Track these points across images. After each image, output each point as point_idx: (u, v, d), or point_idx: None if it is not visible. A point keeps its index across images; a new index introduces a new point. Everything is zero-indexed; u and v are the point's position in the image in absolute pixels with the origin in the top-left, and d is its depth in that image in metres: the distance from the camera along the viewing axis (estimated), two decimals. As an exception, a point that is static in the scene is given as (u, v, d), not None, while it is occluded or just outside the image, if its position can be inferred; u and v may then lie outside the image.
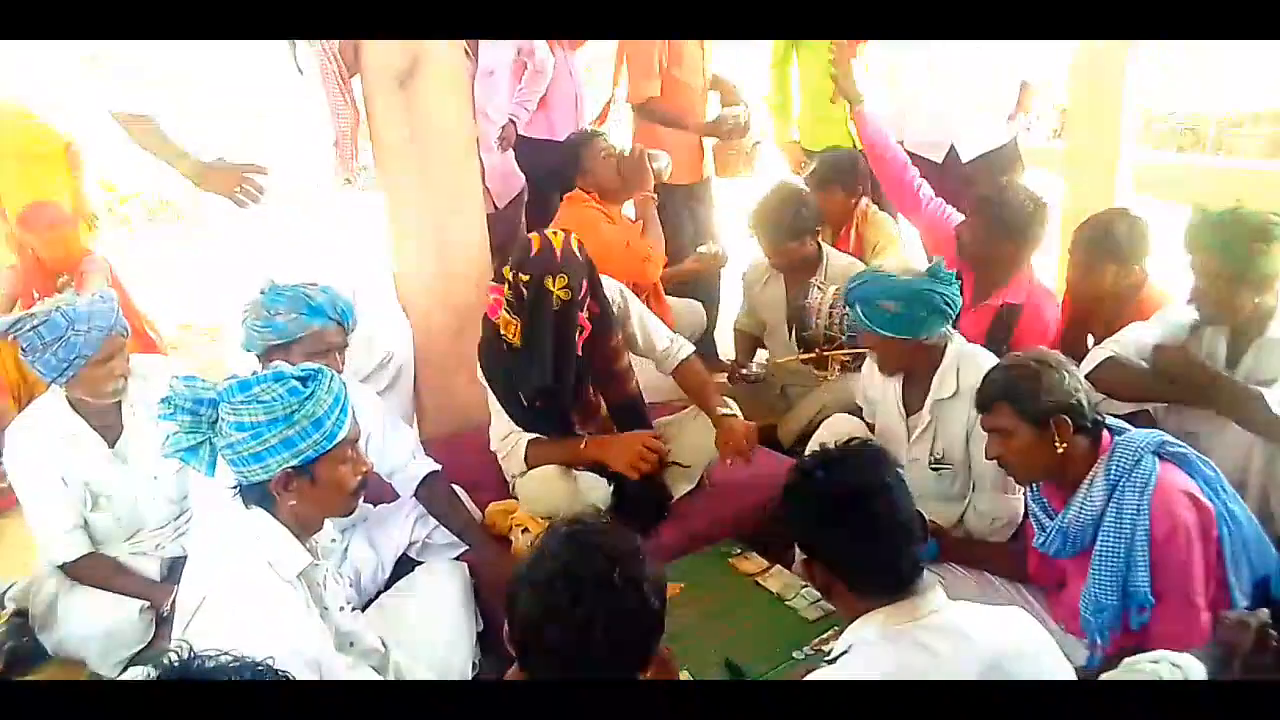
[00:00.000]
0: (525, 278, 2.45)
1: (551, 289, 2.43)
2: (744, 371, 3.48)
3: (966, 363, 2.44)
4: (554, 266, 2.44)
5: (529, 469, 2.65)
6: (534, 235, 2.54)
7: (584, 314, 2.53)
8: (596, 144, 3.48)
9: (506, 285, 2.49)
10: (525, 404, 2.62)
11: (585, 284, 2.51)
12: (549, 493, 2.59)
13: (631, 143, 3.80)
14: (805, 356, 3.26)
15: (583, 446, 2.62)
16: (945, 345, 2.45)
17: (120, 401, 2.44)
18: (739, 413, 2.71)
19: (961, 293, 2.43)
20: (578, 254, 2.51)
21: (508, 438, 2.69)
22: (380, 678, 1.95)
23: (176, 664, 1.08)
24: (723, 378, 3.61)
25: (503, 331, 2.54)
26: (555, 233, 2.53)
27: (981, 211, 2.91)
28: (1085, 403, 1.92)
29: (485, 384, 2.70)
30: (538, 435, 2.66)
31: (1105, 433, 1.96)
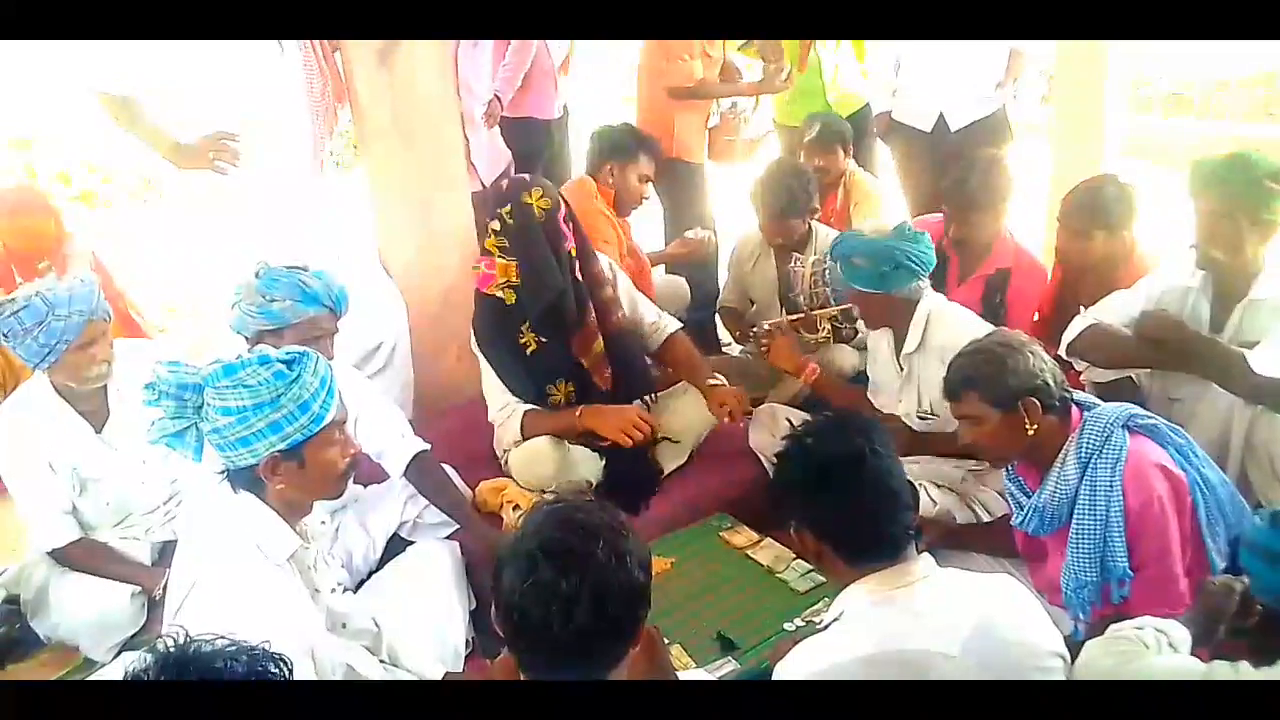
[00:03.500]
0: (507, 209, 2.58)
1: (531, 201, 2.56)
2: (755, 329, 3.47)
3: (936, 319, 2.49)
4: (527, 184, 2.61)
5: (524, 439, 2.66)
6: (497, 184, 2.70)
7: (566, 227, 2.62)
8: (641, 161, 3.38)
9: (493, 235, 2.60)
10: (525, 354, 2.65)
11: (562, 202, 2.63)
12: (541, 465, 2.61)
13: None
14: (794, 318, 3.27)
15: (578, 415, 2.64)
16: (918, 301, 2.51)
17: (106, 386, 2.43)
18: (727, 384, 2.76)
19: (937, 258, 2.53)
20: (548, 181, 2.69)
21: (505, 408, 2.70)
22: (374, 658, 1.96)
23: (174, 649, 1.08)
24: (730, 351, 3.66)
25: (501, 280, 2.61)
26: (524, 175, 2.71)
27: (949, 196, 3.06)
28: (1052, 382, 1.91)
29: (481, 356, 2.71)
30: (534, 407, 2.68)
31: (1074, 408, 1.96)
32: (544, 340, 2.66)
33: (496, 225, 2.60)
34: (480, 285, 2.67)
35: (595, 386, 2.72)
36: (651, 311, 2.87)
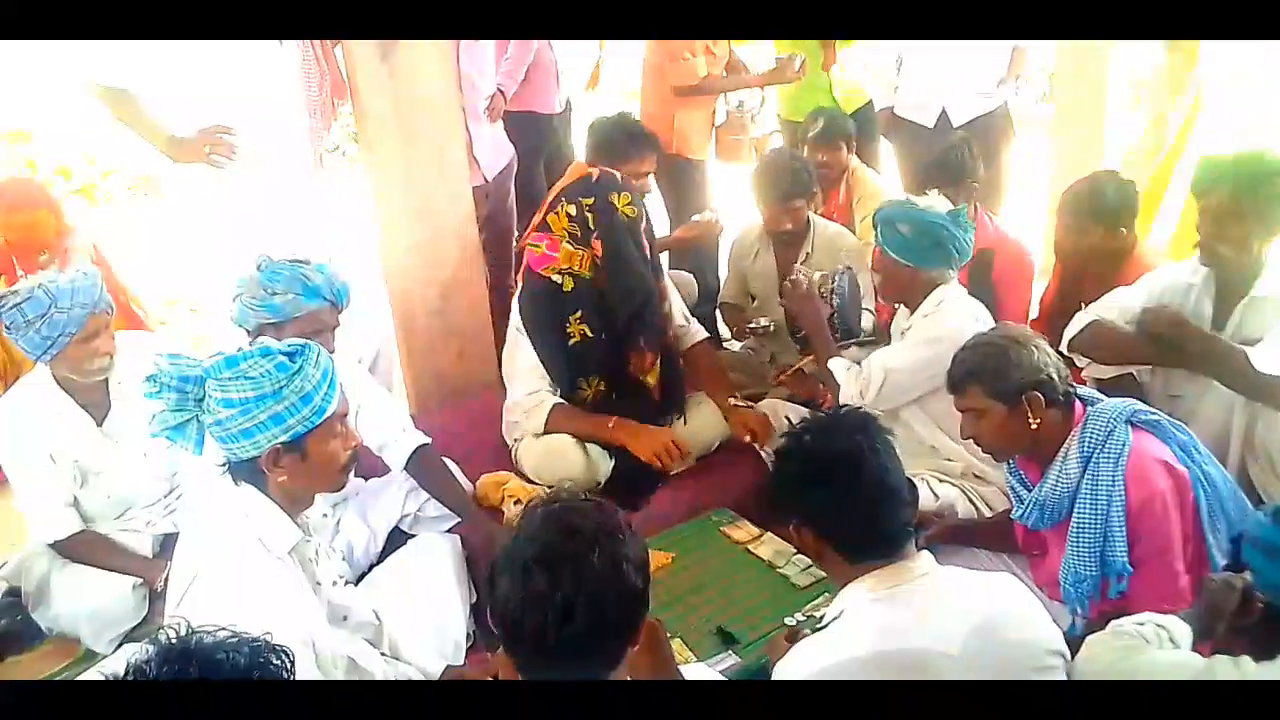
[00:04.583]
0: (589, 201, 2.54)
1: (617, 204, 2.54)
2: (752, 325, 3.45)
3: (945, 308, 2.46)
4: (618, 185, 2.57)
5: (546, 433, 2.64)
6: (586, 170, 2.63)
7: (646, 240, 2.60)
8: (634, 161, 3.25)
9: (568, 218, 2.56)
10: (567, 344, 2.61)
11: (645, 215, 2.61)
12: (560, 463, 2.59)
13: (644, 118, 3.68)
14: (798, 349, 3.22)
15: (610, 426, 2.62)
16: (938, 286, 2.49)
17: (108, 379, 2.43)
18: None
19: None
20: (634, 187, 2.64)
21: (534, 394, 2.67)
22: (375, 651, 1.96)
23: (175, 641, 1.08)
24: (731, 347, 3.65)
25: (564, 267, 2.57)
26: (607, 168, 2.63)
27: (926, 180, 3.09)
28: (1056, 376, 1.91)
29: (523, 336, 2.68)
30: (563, 401, 2.65)
31: (1077, 403, 1.95)
32: (590, 335, 2.62)
33: (572, 210, 2.55)
34: (534, 264, 2.60)
35: (643, 389, 2.69)
36: (680, 314, 2.87)
